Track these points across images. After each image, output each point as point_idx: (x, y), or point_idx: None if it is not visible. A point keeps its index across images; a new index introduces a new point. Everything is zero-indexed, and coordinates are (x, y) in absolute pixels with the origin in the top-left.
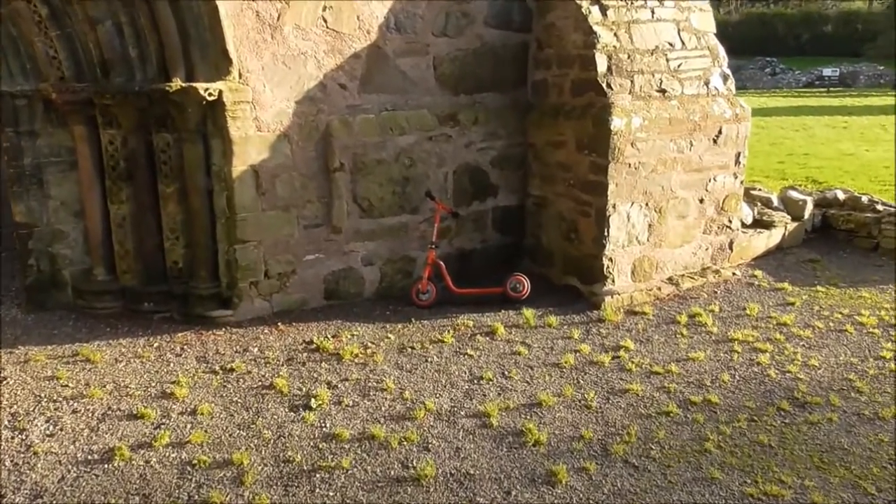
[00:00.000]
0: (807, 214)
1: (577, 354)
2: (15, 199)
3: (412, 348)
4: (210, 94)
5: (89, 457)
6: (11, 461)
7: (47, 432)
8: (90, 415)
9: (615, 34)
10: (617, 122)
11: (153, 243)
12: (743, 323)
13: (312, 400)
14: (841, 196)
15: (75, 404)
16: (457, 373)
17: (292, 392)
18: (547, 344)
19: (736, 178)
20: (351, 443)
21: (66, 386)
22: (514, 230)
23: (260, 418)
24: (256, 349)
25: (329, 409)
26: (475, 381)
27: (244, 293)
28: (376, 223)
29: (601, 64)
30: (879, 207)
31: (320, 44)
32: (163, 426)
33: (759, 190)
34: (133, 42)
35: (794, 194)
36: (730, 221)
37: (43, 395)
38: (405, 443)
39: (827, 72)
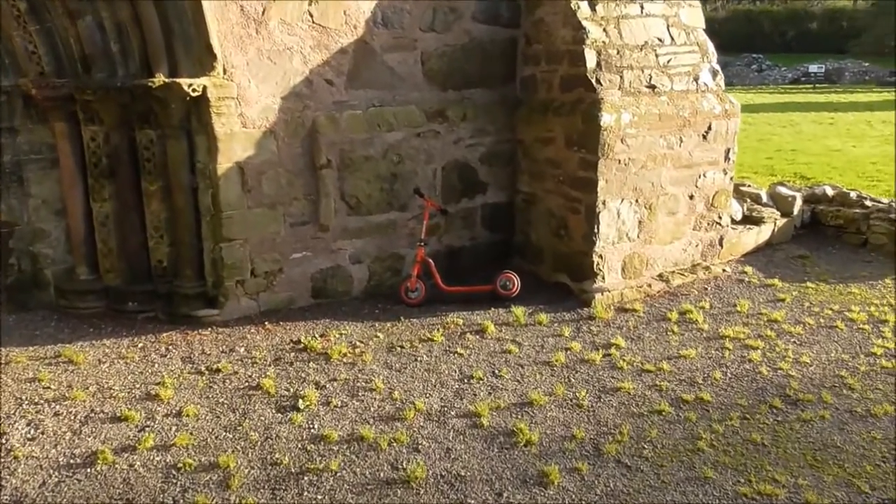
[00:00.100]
0: (796, 210)
1: (568, 352)
2: None
3: (401, 347)
4: (194, 90)
5: (71, 461)
6: None
7: (28, 436)
8: (72, 417)
9: (604, 29)
10: (606, 118)
11: (137, 242)
12: (734, 320)
13: (300, 401)
14: (830, 192)
15: (57, 407)
16: (447, 372)
17: (280, 393)
18: (537, 342)
19: (725, 174)
20: (339, 444)
21: (48, 388)
22: (504, 227)
23: (247, 420)
24: (243, 349)
25: (317, 409)
26: (465, 381)
27: (230, 292)
28: (364, 221)
29: (590, 59)
30: (868, 203)
31: (306, 39)
32: (147, 429)
33: (749, 186)
34: (114, 37)
35: (783, 190)
36: (720, 218)
37: (24, 397)
38: (395, 444)
39: (813, 68)
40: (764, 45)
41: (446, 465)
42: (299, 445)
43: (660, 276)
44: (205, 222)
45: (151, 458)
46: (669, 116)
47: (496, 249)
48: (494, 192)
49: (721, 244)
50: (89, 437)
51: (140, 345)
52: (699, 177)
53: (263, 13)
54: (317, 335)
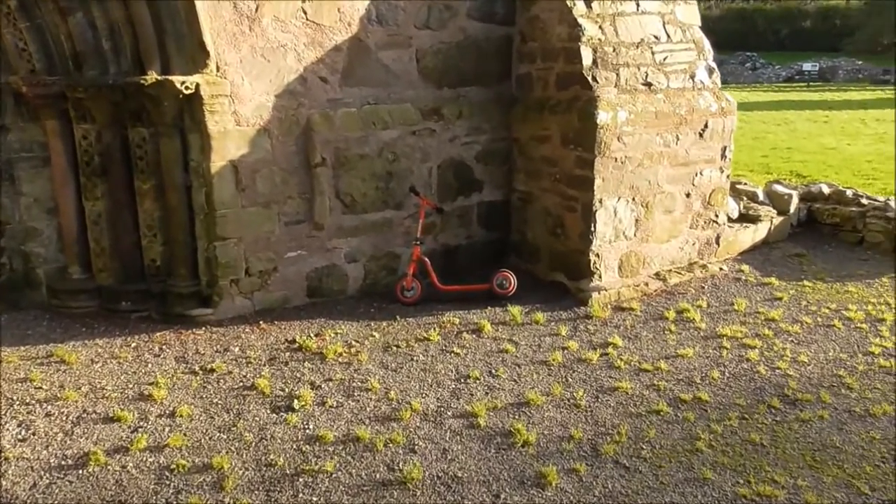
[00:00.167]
0: (792, 209)
1: (565, 352)
2: None
3: (397, 347)
4: (187, 88)
5: (63, 462)
6: None
7: (19, 437)
8: (64, 418)
9: (600, 27)
10: (603, 116)
11: (130, 241)
12: (731, 318)
13: (295, 401)
14: (826, 190)
15: (49, 407)
16: (443, 372)
17: (274, 393)
18: (534, 341)
19: (722, 172)
20: (335, 445)
21: (40, 388)
22: (500, 226)
23: (241, 420)
24: (237, 349)
25: (312, 410)
26: (462, 380)
27: (224, 291)
28: (359, 219)
29: (586, 57)
30: (864, 201)
31: (300, 36)
32: (140, 429)
33: (745, 184)
34: (106, 34)
35: (779, 188)
36: (716, 216)
37: (15, 397)
38: (391, 445)
39: (807, 66)
40: (758, 43)
41: (443, 466)
42: (294, 446)
43: (657, 274)
44: (198, 221)
45: (144, 459)
46: (666, 114)
47: (492, 248)
48: (490, 190)
49: (718, 242)
50: (81, 437)
51: (133, 344)
52: (696, 175)
53: (257, 10)
54: (312, 334)
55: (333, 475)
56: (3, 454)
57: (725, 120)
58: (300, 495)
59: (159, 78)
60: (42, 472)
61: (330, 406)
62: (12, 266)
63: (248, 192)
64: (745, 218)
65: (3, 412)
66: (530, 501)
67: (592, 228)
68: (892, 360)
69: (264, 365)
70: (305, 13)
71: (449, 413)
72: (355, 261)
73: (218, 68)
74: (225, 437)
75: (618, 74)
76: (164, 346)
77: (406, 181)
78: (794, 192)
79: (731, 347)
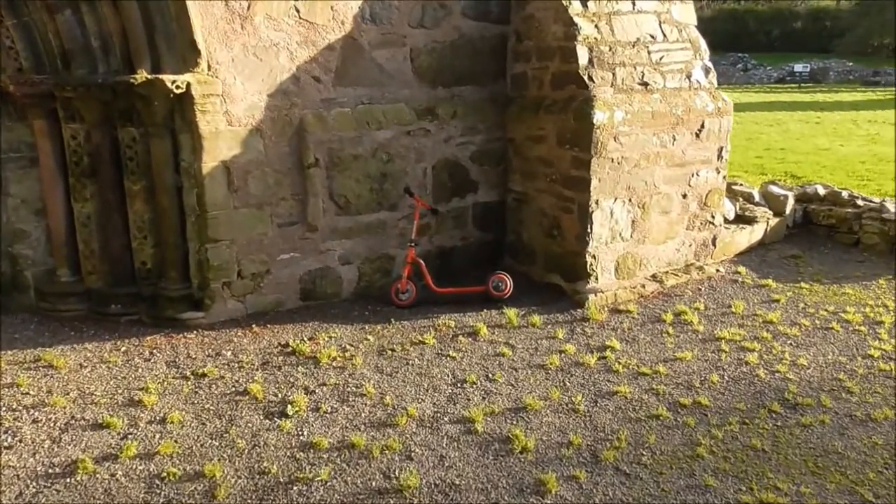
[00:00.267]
0: (788, 210)
1: (563, 355)
2: None
3: (392, 350)
4: (178, 87)
5: (50, 470)
6: None
7: (5, 444)
8: (52, 425)
9: (596, 26)
10: (599, 116)
11: (120, 243)
12: (729, 321)
13: (289, 406)
14: (821, 191)
15: (36, 413)
16: (439, 376)
17: (267, 398)
18: (531, 344)
19: (718, 172)
20: (330, 452)
21: (27, 394)
22: (495, 227)
23: (233, 427)
24: (230, 353)
25: (306, 416)
26: (458, 385)
27: (216, 294)
28: (353, 221)
29: (582, 56)
30: (860, 203)
31: (293, 35)
32: (130, 436)
33: (740, 185)
34: (95, 32)
35: (774, 189)
36: (713, 217)
37: (1, 403)
38: (387, 451)
39: (798, 67)
40: (749, 44)
41: (440, 474)
42: (288, 453)
43: (653, 276)
44: (190, 223)
45: (134, 467)
46: (662, 114)
47: (487, 249)
48: (485, 191)
49: (714, 244)
50: (69, 445)
51: (123, 349)
52: (692, 175)
53: (249, 8)
54: (305, 338)
55: (328, 483)
56: None
57: (722, 120)
58: None
59: (149, 77)
60: (29, 481)
61: (324, 412)
62: (0, 268)
63: (241, 194)
64: (742, 219)
65: None
66: None
67: (589, 230)
68: (892, 364)
69: (257, 369)
70: (298, 11)
71: (446, 418)
72: (349, 263)
73: (209, 67)
74: (217, 444)
75: (614, 74)
76: (154, 351)
77: (400, 182)
78: (789, 194)
79: (730, 350)
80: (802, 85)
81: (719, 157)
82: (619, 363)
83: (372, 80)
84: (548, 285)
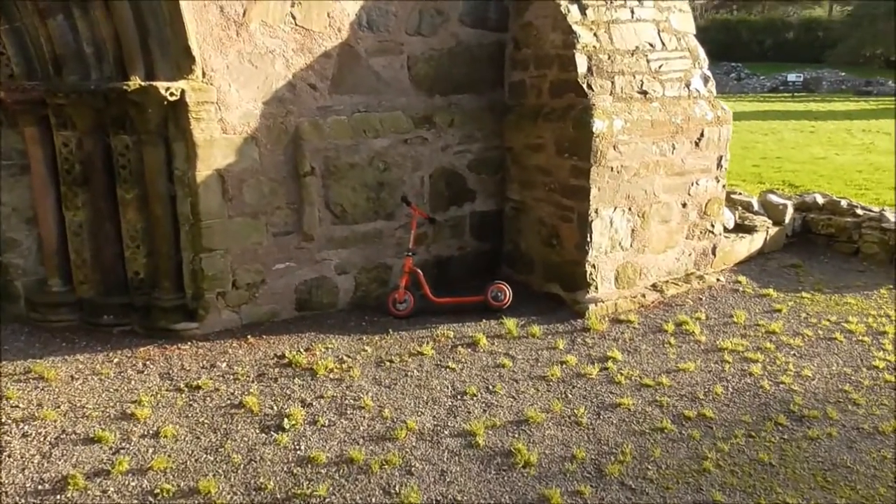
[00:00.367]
0: (787, 219)
1: (564, 366)
2: None
3: (390, 362)
4: (171, 94)
5: (39, 486)
6: None
7: None
8: (42, 439)
9: (595, 34)
10: (598, 125)
11: (112, 252)
12: (731, 331)
13: (285, 420)
14: (820, 200)
15: (25, 427)
16: (439, 388)
17: (263, 411)
18: (532, 355)
19: (718, 181)
20: (328, 467)
21: (16, 407)
22: (493, 236)
23: (229, 441)
24: (224, 364)
25: (303, 429)
26: (458, 397)
27: (211, 304)
28: (350, 230)
29: (581, 64)
30: (859, 212)
31: (289, 42)
32: (122, 451)
33: (739, 194)
34: (88, 38)
35: (774, 198)
36: (712, 226)
37: None
38: (386, 466)
39: (791, 77)
40: (742, 54)
41: (441, 489)
42: (285, 468)
43: (653, 285)
44: (183, 232)
45: (126, 482)
46: (662, 123)
47: (485, 259)
48: (483, 200)
49: (714, 253)
50: (60, 460)
51: (115, 360)
52: (692, 184)
53: (244, 14)
54: (302, 349)
55: (327, 500)
56: None
57: (721, 129)
58: None
59: (143, 84)
60: (17, 497)
61: (322, 425)
62: None
63: (235, 203)
64: (741, 228)
65: None
66: None
67: (588, 239)
68: None
69: (252, 382)
70: (294, 18)
71: (446, 432)
72: (346, 273)
73: (204, 74)
74: (212, 458)
75: (613, 82)
76: (147, 362)
77: (397, 191)
78: (788, 203)
79: (733, 361)
80: (796, 94)
81: (719, 165)
82: (622, 374)
83: (369, 87)
84: (547, 295)
